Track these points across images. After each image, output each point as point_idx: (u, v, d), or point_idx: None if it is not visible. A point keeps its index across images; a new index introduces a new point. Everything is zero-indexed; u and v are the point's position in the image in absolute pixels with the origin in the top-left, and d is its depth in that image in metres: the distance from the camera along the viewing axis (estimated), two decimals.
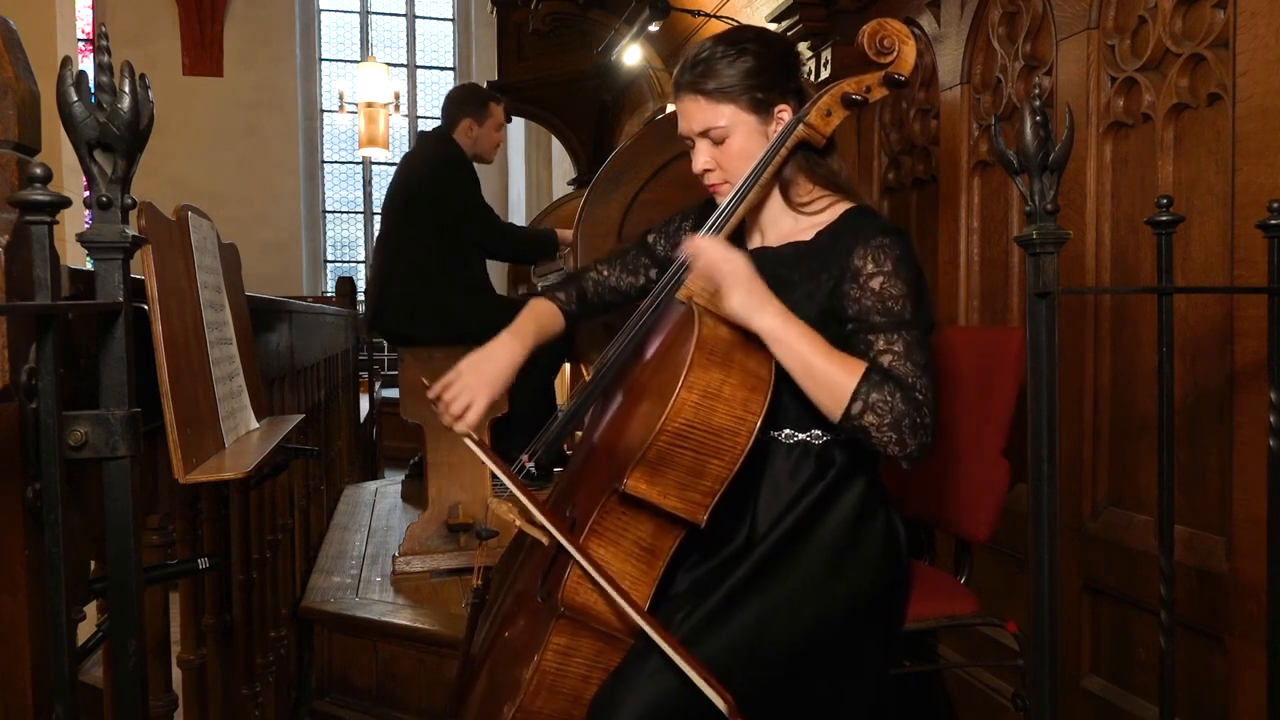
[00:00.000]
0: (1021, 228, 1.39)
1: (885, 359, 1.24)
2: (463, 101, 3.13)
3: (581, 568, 1.19)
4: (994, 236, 2.09)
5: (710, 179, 1.39)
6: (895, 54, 1.33)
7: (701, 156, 1.38)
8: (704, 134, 1.36)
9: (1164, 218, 1.26)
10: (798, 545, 1.29)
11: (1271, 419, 1.29)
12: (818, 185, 1.38)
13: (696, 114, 1.36)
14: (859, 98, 1.31)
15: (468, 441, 1.39)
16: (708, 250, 1.23)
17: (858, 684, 1.29)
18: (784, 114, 1.35)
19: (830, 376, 1.21)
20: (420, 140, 3.20)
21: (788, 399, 1.29)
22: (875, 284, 1.27)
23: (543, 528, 1.25)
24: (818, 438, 1.33)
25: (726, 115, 1.34)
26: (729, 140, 1.35)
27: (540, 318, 1.55)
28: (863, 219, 1.34)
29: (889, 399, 1.20)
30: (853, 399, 1.20)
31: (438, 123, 3.24)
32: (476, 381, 1.41)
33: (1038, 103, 1.13)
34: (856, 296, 1.28)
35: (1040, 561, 1.16)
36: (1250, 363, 1.44)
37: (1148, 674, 1.66)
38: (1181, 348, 1.56)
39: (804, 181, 1.38)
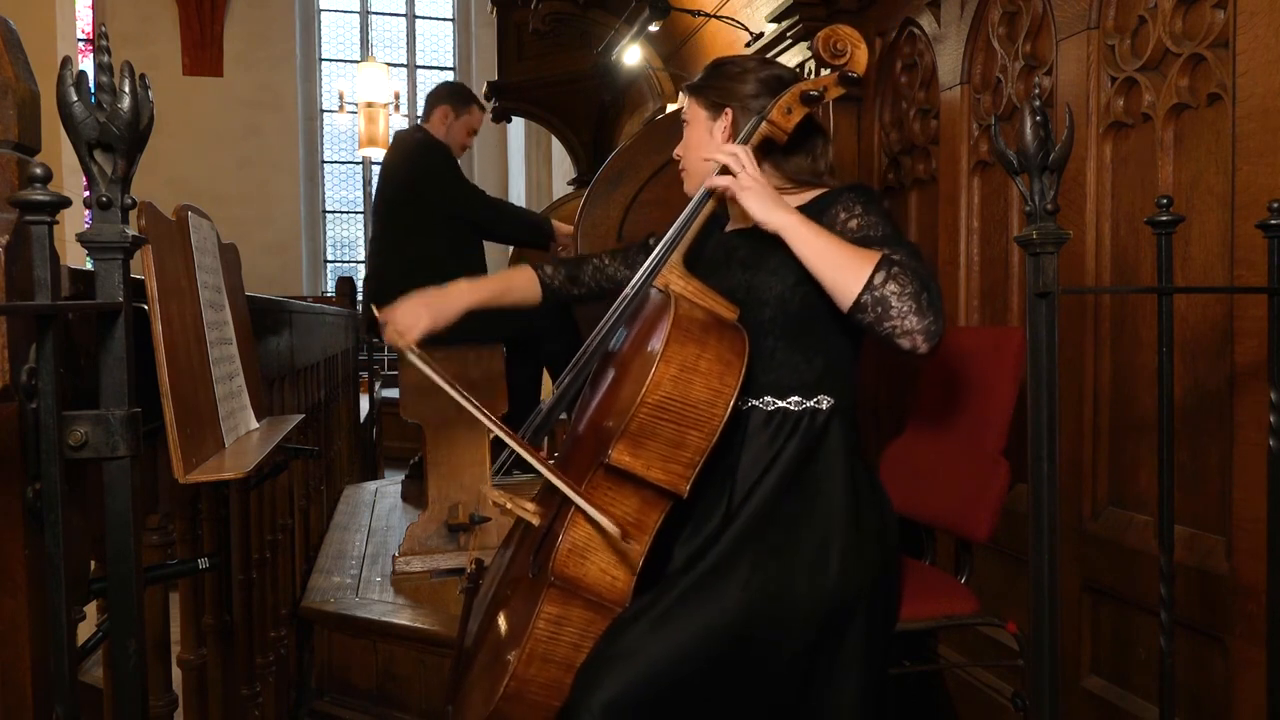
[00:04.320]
0: (1021, 228, 1.39)
1: (895, 256, 1.28)
2: (445, 93, 3.15)
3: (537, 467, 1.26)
4: (994, 236, 2.09)
5: (681, 163, 1.57)
6: (848, 56, 1.45)
7: (678, 144, 1.57)
8: (682, 119, 1.55)
9: (1164, 218, 1.26)
10: (782, 523, 1.31)
11: (1271, 419, 1.29)
12: (788, 179, 1.47)
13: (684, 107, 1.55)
14: (816, 94, 1.41)
15: (410, 356, 1.49)
16: (738, 157, 1.33)
17: (855, 672, 1.29)
18: (728, 116, 1.48)
19: (850, 258, 1.27)
20: (395, 138, 3.20)
21: (766, 364, 1.37)
22: (854, 224, 1.37)
23: (517, 454, 1.32)
24: (797, 404, 1.37)
25: (690, 107, 1.53)
26: (687, 130, 1.54)
27: (511, 280, 1.69)
28: (829, 194, 1.43)
29: (908, 274, 1.24)
30: (876, 270, 1.24)
31: None
32: (421, 304, 1.57)
33: (1038, 103, 1.13)
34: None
35: (1040, 561, 1.16)
36: (1250, 363, 1.44)
37: (1148, 674, 1.66)
38: (1181, 348, 1.56)
39: (773, 173, 1.47)
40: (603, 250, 1.72)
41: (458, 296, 1.60)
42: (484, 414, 1.35)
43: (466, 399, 1.37)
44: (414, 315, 1.55)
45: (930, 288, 1.25)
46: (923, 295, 1.23)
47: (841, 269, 1.26)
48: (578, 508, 1.25)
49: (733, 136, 1.45)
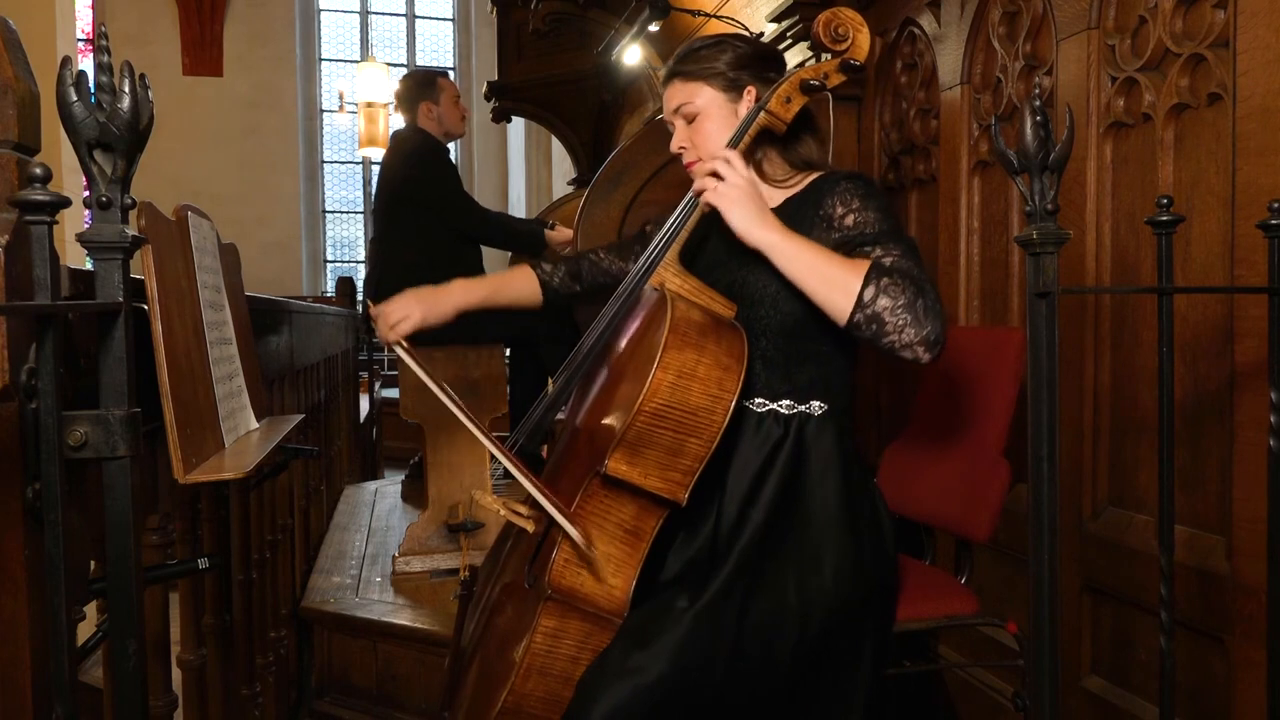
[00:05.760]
0: (1021, 228, 1.39)
1: (886, 260, 1.26)
2: (413, 89, 3.14)
3: (537, 501, 1.22)
4: (994, 236, 2.09)
5: (686, 158, 1.47)
6: (850, 41, 1.37)
7: (678, 137, 1.47)
8: (678, 113, 1.46)
9: (1164, 218, 1.26)
10: (778, 535, 1.29)
11: (1271, 419, 1.29)
12: (793, 167, 1.45)
13: (675, 95, 1.46)
14: (816, 83, 1.35)
15: (399, 350, 1.51)
16: (715, 175, 1.29)
17: (851, 679, 1.29)
18: (751, 94, 1.42)
19: (838, 273, 1.23)
20: (393, 139, 3.21)
21: (759, 366, 1.34)
22: (850, 220, 1.33)
23: (517, 481, 1.27)
24: (789, 408, 1.35)
25: (698, 94, 1.43)
26: (699, 119, 1.44)
27: (509, 279, 1.67)
28: (825, 179, 1.40)
29: (900, 282, 1.22)
30: (864, 285, 1.21)
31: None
32: (414, 300, 1.57)
33: (1038, 103, 1.13)
34: (837, 239, 1.32)
35: (1040, 561, 1.16)
36: (1250, 363, 1.44)
37: (1148, 674, 1.66)
38: (1181, 348, 1.56)
39: (779, 161, 1.45)
40: (601, 244, 1.70)
41: (451, 295, 1.60)
42: (470, 420, 1.32)
43: (454, 402, 1.34)
44: (405, 310, 1.55)
45: (926, 292, 1.22)
46: (918, 303, 1.21)
47: (830, 287, 1.23)
48: (565, 534, 1.21)
49: None
